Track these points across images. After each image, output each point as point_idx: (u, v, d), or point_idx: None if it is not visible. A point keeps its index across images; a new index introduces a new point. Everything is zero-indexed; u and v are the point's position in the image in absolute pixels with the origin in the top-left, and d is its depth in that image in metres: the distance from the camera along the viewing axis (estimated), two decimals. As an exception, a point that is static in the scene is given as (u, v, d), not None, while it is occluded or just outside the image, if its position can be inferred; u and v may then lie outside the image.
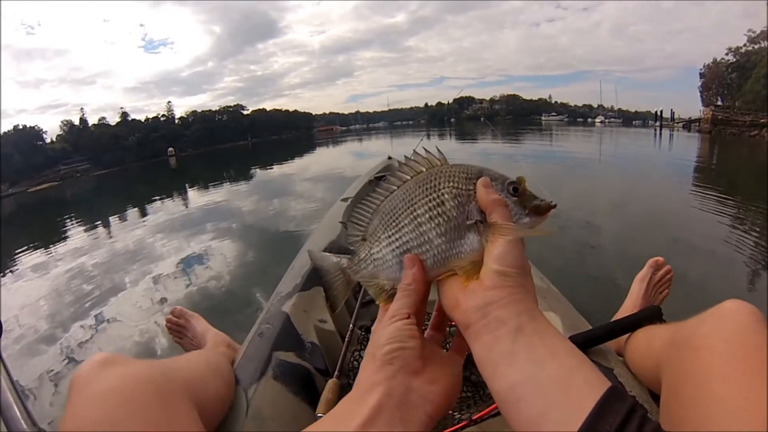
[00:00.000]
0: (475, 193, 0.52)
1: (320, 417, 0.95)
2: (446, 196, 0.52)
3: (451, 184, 0.53)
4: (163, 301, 3.70)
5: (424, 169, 0.55)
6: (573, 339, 1.04)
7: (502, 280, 0.47)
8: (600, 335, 1.07)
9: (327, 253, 0.64)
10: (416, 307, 0.53)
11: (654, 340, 0.92)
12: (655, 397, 0.87)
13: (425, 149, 0.56)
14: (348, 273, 0.60)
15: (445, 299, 0.52)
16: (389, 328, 0.50)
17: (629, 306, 1.41)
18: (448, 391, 0.50)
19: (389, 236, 0.55)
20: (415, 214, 0.53)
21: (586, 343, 1.05)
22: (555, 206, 0.53)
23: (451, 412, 1.06)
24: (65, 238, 8.23)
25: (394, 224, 0.54)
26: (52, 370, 2.81)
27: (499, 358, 0.44)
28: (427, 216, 0.52)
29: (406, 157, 0.56)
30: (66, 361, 2.94)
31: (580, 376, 0.41)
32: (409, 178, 0.55)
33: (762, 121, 30.25)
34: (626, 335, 1.09)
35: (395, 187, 0.56)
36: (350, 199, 2.34)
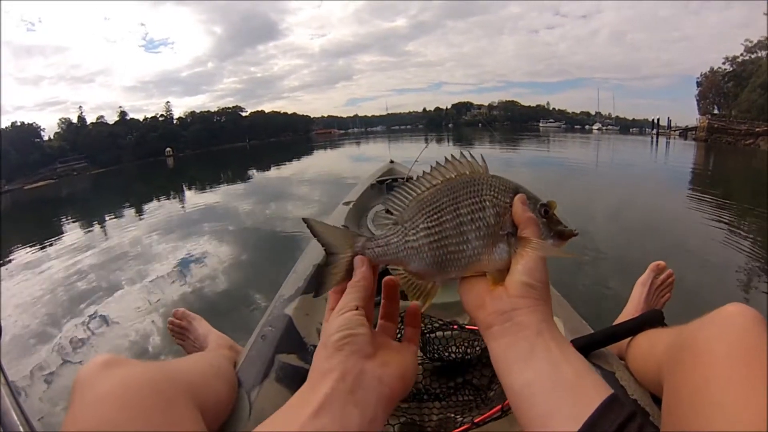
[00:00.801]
0: (511, 206, 0.56)
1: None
2: (488, 203, 0.55)
3: (493, 193, 0.56)
4: (159, 301, 3.69)
5: (468, 172, 0.57)
6: (575, 342, 1.05)
7: (528, 290, 0.51)
8: (602, 339, 1.07)
9: (334, 226, 0.62)
10: (364, 302, 0.54)
11: (655, 344, 0.93)
12: (657, 401, 0.88)
13: (463, 152, 0.58)
14: (364, 252, 0.58)
15: (469, 297, 0.55)
16: (339, 318, 0.52)
17: (631, 310, 1.41)
18: (402, 372, 0.52)
19: (429, 227, 0.56)
20: (458, 212, 0.55)
21: (588, 346, 1.06)
22: (576, 234, 0.58)
23: (453, 415, 1.07)
24: (61, 236, 8.20)
25: (436, 216, 0.55)
26: (45, 369, 2.80)
27: (517, 356, 0.49)
28: (469, 217, 0.55)
29: (451, 155, 0.58)
30: (60, 360, 2.93)
31: (590, 380, 0.46)
32: (452, 175, 0.57)
33: (758, 130, 30.47)
34: (628, 339, 1.09)
35: (437, 180, 0.57)
36: (352, 203, 2.34)
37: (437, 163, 0.58)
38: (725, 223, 5.90)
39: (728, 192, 9.56)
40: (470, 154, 0.58)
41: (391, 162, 3.72)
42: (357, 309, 0.52)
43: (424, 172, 0.59)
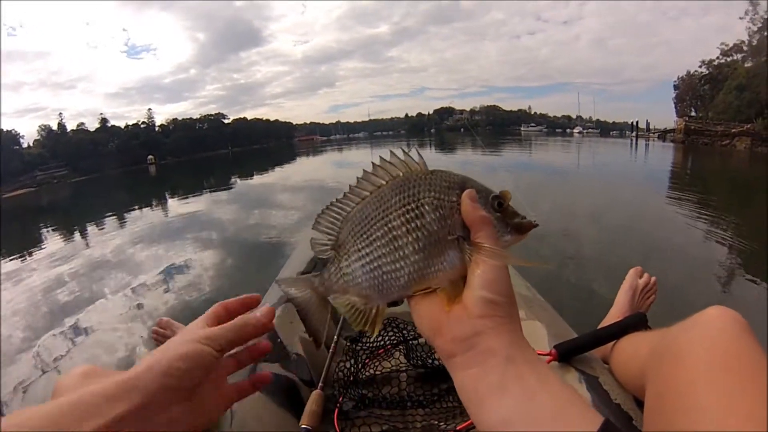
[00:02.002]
0: (458, 205, 0.48)
1: (304, 429, 0.95)
2: (426, 207, 0.47)
3: (432, 193, 0.48)
4: (142, 310, 3.64)
5: (401, 174, 0.50)
6: (559, 347, 1.05)
7: (490, 308, 0.44)
8: (586, 343, 1.08)
9: (294, 277, 0.59)
10: (234, 345, 0.52)
11: (639, 348, 0.93)
12: (640, 405, 0.88)
13: (403, 150, 0.51)
14: (321, 291, 0.54)
15: (423, 323, 0.48)
16: (191, 345, 0.48)
17: (615, 314, 1.40)
18: (197, 425, 0.48)
19: (359, 249, 0.49)
20: (390, 225, 0.48)
21: (572, 351, 1.06)
22: (537, 225, 0.51)
23: (436, 422, 1.07)
24: (42, 245, 8.05)
25: (365, 235, 0.49)
26: (25, 381, 2.74)
27: (487, 390, 0.42)
28: (403, 229, 0.47)
29: (381, 158, 0.51)
30: (40, 372, 2.88)
31: (574, 410, 0.40)
32: (383, 182, 0.50)
33: (733, 131, 31.15)
34: (612, 343, 1.09)
35: (367, 192, 0.50)
36: None
37: (364, 171, 0.51)
38: (704, 222, 6.02)
39: (706, 191, 9.76)
40: (403, 151, 0.51)
41: None
42: (220, 351, 0.49)
43: (350, 185, 0.52)
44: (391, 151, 0.51)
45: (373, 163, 0.51)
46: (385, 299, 0.50)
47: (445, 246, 0.47)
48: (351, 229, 0.50)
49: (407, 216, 0.47)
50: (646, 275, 1.48)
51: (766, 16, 32.30)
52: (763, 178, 14.13)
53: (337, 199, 0.52)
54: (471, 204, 0.47)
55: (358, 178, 0.51)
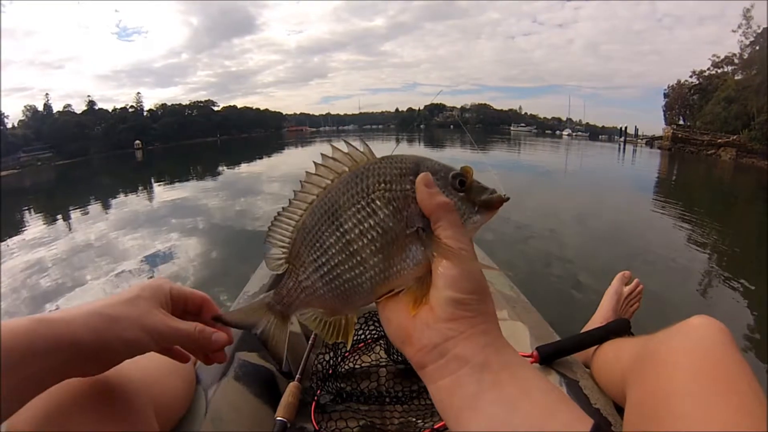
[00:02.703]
0: (413, 192, 0.43)
1: (280, 421, 0.94)
2: (378, 202, 0.43)
3: (383, 185, 0.43)
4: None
5: (347, 168, 0.45)
6: (541, 350, 1.05)
7: (458, 310, 0.39)
8: (568, 347, 1.08)
9: (245, 306, 0.54)
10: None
11: (621, 353, 0.93)
12: (620, 410, 0.88)
13: (346, 142, 0.46)
14: (278, 309, 0.50)
15: (391, 330, 0.44)
16: (137, 333, 0.50)
17: (599, 318, 1.40)
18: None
19: (315, 259, 0.45)
20: (342, 229, 0.43)
21: (554, 354, 1.06)
22: (508, 199, 0.45)
23: (414, 419, 1.07)
24: (24, 229, 7.91)
25: (318, 243, 0.44)
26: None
27: (463, 402, 0.37)
28: (357, 231, 0.43)
29: (323, 155, 0.46)
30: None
31: (561, 416, 0.35)
32: (329, 181, 0.45)
33: (719, 141, 31.62)
34: (594, 347, 1.09)
35: (314, 195, 0.46)
36: None
37: (306, 172, 0.46)
38: (687, 228, 6.10)
39: (691, 199, 9.91)
40: (346, 143, 0.45)
41: None
42: (160, 348, 0.56)
43: (294, 190, 0.47)
44: (332, 145, 0.45)
45: (315, 162, 0.46)
46: (352, 308, 0.46)
47: (405, 242, 0.43)
48: (303, 238, 0.46)
49: (359, 216, 0.43)
50: (634, 281, 1.49)
51: (758, 31, 32.76)
52: (747, 188, 14.40)
53: (284, 208, 0.47)
54: (426, 190, 0.42)
55: (301, 181, 0.46)
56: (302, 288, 0.47)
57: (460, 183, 0.44)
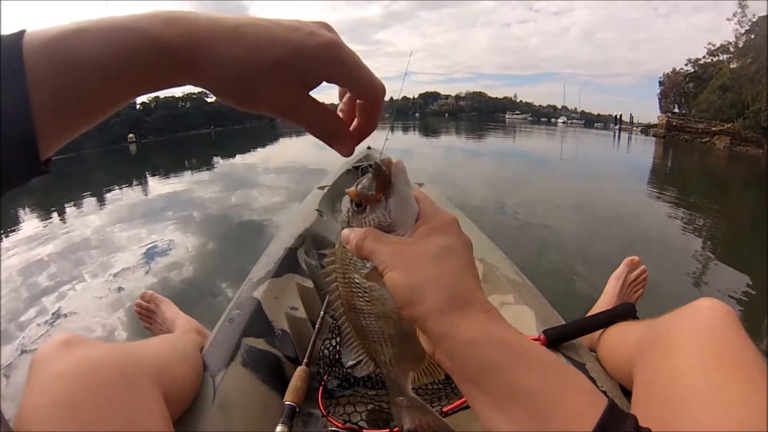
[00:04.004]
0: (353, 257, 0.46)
1: (288, 405, 0.94)
2: (354, 276, 0.47)
3: (348, 261, 0.47)
4: (123, 291, 3.58)
5: (338, 266, 0.49)
6: (547, 333, 1.06)
7: (414, 309, 0.38)
8: (574, 330, 1.08)
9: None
10: None
11: (627, 336, 0.94)
12: (626, 393, 0.89)
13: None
14: (408, 404, 0.55)
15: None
16: None
17: (603, 303, 1.41)
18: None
19: (376, 340, 0.50)
20: (363, 311, 0.48)
21: (559, 338, 1.06)
22: (382, 163, 0.43)
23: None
24: (18, 226, 7.85)
25: (368, 330, 0.49)
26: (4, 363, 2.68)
27: (468, 398, 0.38)
28: (367, 305, 0.47)
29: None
30: (18, 352, 2.81)
31: (559, 415, 0.33)
32: (336, 285, 0.50)
33: (714, 129, 31.78)
34: (599, 331, 1.10)
35: (341, 311, 0.51)
36: (327, 188, 2.31)
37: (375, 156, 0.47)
38: (683, 215, 6.14)
39: (685, 186, 9.97)
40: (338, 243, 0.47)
41: (369, 148, 3.69)
42: None
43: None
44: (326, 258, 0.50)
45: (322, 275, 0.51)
46: (419, 345, 0.47)
47: (373, 291, 0.46)
48: (362, 338, 0.51)
49: (359, 295, 0.47)
50: (641, 267, 1.49)
51: (753, 19, 32.76)
52: (741, 175, 14.49)
53: (340, 331, 0.55)
54: (350, 246, 0.44)
55: (361, 165, 0.46)
56: (391, 365, 0.52)
57: (356, 206, 0.45)
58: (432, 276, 0.38)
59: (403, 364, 0.51)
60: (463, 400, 0.97)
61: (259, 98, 0.38)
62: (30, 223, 8.03)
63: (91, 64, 0.33)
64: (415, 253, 0.40)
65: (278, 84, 0.37)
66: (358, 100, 0.43)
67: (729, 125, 31.03)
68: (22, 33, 0.32)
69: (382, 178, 0.43)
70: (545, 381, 0.34)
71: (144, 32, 0.34)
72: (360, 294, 0.47)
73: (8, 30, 0.33)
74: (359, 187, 0.44)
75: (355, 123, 0.44)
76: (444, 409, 0.99)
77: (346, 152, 0.43)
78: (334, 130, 0.42)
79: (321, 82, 0.39)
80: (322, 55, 0.37)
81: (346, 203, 0.46)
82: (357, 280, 0.46)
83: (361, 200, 0.44)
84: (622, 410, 0.33)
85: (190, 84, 0.38)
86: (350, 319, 0.50)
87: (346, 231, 0.45)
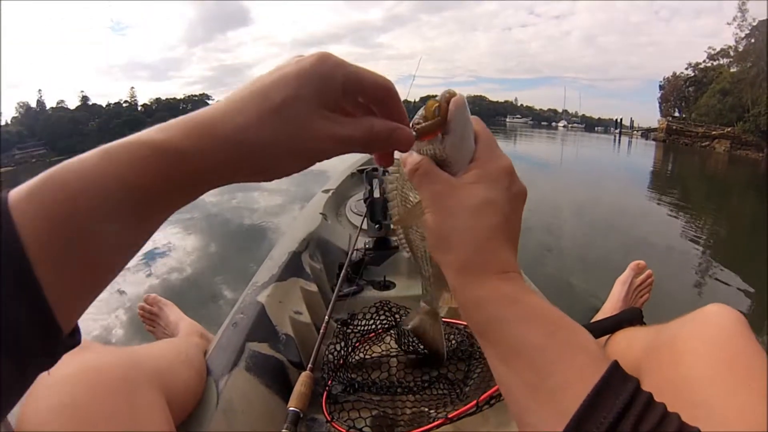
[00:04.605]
0: None
1: (292, 411, 0.93)
2: (410, 194, 0.50)
3: (399, 179, 0.51)
4: (124, 294, 3.57)
5: (398, 176, 0.51)
6: None
7: (438, 254, 0.43)
8: None
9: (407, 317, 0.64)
10: None
11: (634, 343, 0.92)
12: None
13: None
14: (429, 311, 0.62)
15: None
16: None
17: (609, 308, 1.40)
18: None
19: (421, 256, 0.54)
20: (413, 227, 0.52)
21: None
22: (450, 96, 0.41)
23: (426, 409, 1.06)
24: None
25: (413, 244, 0.54)
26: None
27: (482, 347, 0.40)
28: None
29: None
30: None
31: (562, 371, 0.33)
32: (396, 193, 0.52)
33: (714, 133, 31.85)
34: (605, 337, 1.08)
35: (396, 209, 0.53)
36: (332, 191, 2.30)
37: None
38: (684, 219, 6.14)
39: (685, 190, 9.98)
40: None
41: None
42: None
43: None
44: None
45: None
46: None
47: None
48: (408, 244, 0.55)
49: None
50: (646, 272, 1.48)
51: (753, 23, 32.86)
52: (741, 179, 14.51)
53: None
54: (406, 168, 0.45)
55: (366, 169, 0.51)
56: (430, 281, 0.55)
57: (417, 133, 0.41)
58: (463, 229, 0.39)
59: (439, 282, 0.54)
60: (469, 406, 0.97)
61: (294, 154, 0.34)
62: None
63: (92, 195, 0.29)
64: (455, 200, 0.40)
65: (302, 127, 0.33)
66: (375, 106, 0.39)
67: (729, 129, 31.13)
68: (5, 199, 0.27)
69: (437, 123, 0.41)
70: (550, 338, 0.35)
71: (153, 146, 0.31)
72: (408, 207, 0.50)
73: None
74: (418, 117, 0.42)
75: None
76: (450, 415, 0.98)
77: (409, 139, 0.39)
78: (385, 126, 0.37)
79: (337, 98, 0.35)
80: (325, 67, 0.34)
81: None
82: (411, 198, 0.49)
83: (420, 129, 0.42)
84: (625, 372, 0.33)
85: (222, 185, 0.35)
86: (405, 228, 0.54)
87: (405, 154, 0.45)
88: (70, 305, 0.29)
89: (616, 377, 0.32)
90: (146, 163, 0.29)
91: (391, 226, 0.57)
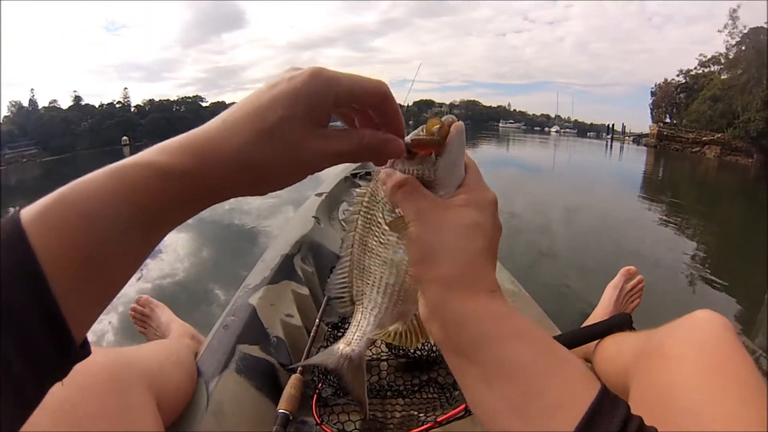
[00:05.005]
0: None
1: (282, 413, 0.93)
2: (378, 215, 0.47)
3: (379, 200, 0.47)
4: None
5: (365, 200, 0.49)
6: None
7: (425, 271, 0.39)
8: (569, 341, 1.06)
9: (322, 352, 0.58)
10: None
11: (623, 348, 0.93)
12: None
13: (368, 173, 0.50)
14: (352, 354, 0.54)
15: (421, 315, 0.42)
16: None
17: (600, 313, 1.40)
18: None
19: (372, 285, 0.50)
20: (372, 252, 0.48)
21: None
22: (452, 123, 0.42)
23: (416, 413, 1.06)
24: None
25: (368, 272, 0.49)
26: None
27: (455, 372, 0.38)
28: (379, 247, 0.48)
29: (346, 202, 0.51)
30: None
31: (550, 394, 0.32)
32: (355, 225, 0.50)
33: (704, 139, 32.14)
34: (595, 342, 1.09)
35: (350, 242, 0.51)
36: (325, 195, 2.30)
37: (342, 221, 0.52)
38: (674, 224, 6.19)
39: (676, 195, 10.06)
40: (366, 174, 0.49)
41: None
42: None
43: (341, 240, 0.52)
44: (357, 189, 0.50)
45: (345, 210, 0.52)
46: (416, 305, 0.45)
47: (394, 236, 0.47)
48: (357, 275, 0.51)
49: (377, 233, 0.47)
50: (637, 278, 1.49)
51: (744, 31, 33.22)
52: (731, 184, 14.64)
53: (338, 263, 0.53)
54: (386, 186, 0.43)
55: (360, 173, 0.50)
56: (371, 313, 0.51)
57: (407, 152, 0.41)
58: (453, 245, 0.38)
59: (383, 317, 0.51)
60: (458, 410, 0.97)
61: (290, 168, 0.36)
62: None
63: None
64: (445, 218, 0.40)
65: (296, 142, 0.34)
66: (371, 110, 0.40)
67: (719, 135, 31.43)
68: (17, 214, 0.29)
69: (441, 134, 0.42)
70: (540, 358, 0.34)
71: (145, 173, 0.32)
72: (377, 234, 0.47)
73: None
74: (413, 136, 0.42)
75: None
76: (439, 419, 0.99)
77: (400, 149, 0.40)
78: (375, 139, 0.39)
79: (329, 113, 0.37)
80: (317, 84, 0.35)
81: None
82: (379, 219, 0.47)
83: (414, 145, 0.42)
84: (615, 395, 0.32)
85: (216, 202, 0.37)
86: (355, 255, 0.50)
87: (387, 170, 0.44)
88: (82, 319, 0.30)
89: (607, 400, 0.32)
90: (153, 186, 0.31)
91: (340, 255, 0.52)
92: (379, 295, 0.49)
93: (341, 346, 0.54)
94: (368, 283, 0.50)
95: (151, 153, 0.33)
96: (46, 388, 0.30)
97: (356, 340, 0.53)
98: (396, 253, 0.46)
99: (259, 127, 0.33)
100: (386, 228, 0.46)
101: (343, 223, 0.47)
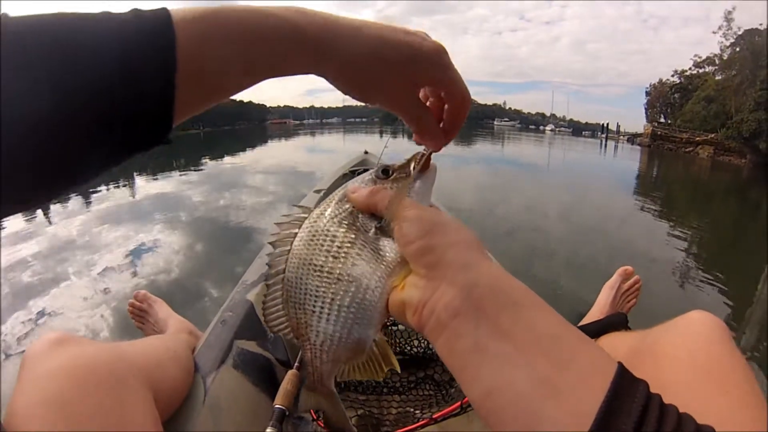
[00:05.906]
0: (354, 208, 0.46)
1: (278, 409, 0.94)
2: (332, 229, 0.44)
3: (329, 214, 0.46)
4: (110, 293, 3.53)
5: (296, 230, 0.47)
6: None
7: (424, 259, 0.37)
8: None
9: (300, 396, 0.54)
10: None
11: (618, 347, 0.93)
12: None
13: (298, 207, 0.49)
14: (313, 386, 0.49)
15: (393, 310, 0.42)
16: None
17: (596, 313, 1.42)
18: None
19: (314, 311, 0.44)
20: (319, 268, 0.43)
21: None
22: (432, 152, 0.48)
23: (412, 409, 1.07)
24: (1, 224, 7.71)
25: (308, 296, 0.44)
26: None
27: (464, 357, 0.33)
28: (330, 260, 0.43)
29: (271, 236, 0.48)
30: (3, 356, 2.76)
31: (575, 369, 0.29)
32: (289, 248, 0.46)
33: (698, 139, 32.35)
34: None
35: (282, 266, 0.46)
36: (323, 191, 2.29)
37: (268, 255, 0.47)
38: (668, 223, 6.22)
39: (670, 194, 10.13)
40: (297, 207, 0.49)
41: (366, 153, 3.68)
42: None
43: (265, 273, 0.48)
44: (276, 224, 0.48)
45: (272, 243, 0.47)
46: (374, 329, 0.44)
47: (374, 244, 0.43)
48: (293, 304, 0.45)
49: (324, 249, 0.44)
50: (634, 278, 1.49)
51: (738, 32, 33.41)
52: (723, 184, 14.76)
53: (264, 295, 0.47)
54: (355, 195, 0.45)
55: (267, 264, 0.47)
56: (321, 348, 0.45)
57: (383, 172, 0.47)
58: (454, 223, 0.40)
59: (337, 349, 0.45)
60: (454, 406, 0.98)
61: (380, 91, 0.44)
62: (13, 220, 7.90)
63: (237, 35, 0.36)
64: (432, 212, 0.41)
65: (397, 81, 0.43)
66: (446, 105, 0.49)
67: (712, 135, 31.63)
68: (165, 9, 0.34)
69: (428, 159, 0.48)
70: (566, 328, 0.32)
71: (280, 17, 0.38)
72: (327, 248, 0.44)
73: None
74: (407, 160, 0.48)
75: (441, 125, 0.49)
76: (435, 416, 1.00)
77: (438, 147, 0.49)
78: (433, 127, 0.48)
79: (429, 83, 0.46)
80: (435, 59, 0.43)
81: (368, 173, 0.49)
82: (332, 231, 0.45)
83: (389, 168, 0.47)
84: (632, 374, 0.31)
85: (314, 73, 0.42)
86: (291, 280, 0.45)
87: (356, 183, 0.48)
88: (181, 112, 0.36)
89: (627, 375, 0.30)
90: (283, 36, 0.38)
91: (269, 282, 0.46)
92: (330, 324, 0.44)
93: (307, 392, 0.51)
94: (314, 312, 0.44)
95: (294, 14, 0.39)
96: (130, 155, 0.36)
97: (317, 382, 0.48)
98: (355, 266, 0.43)
99: (377, 54, 0.41)
100: (344, 238, 0.44)
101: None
